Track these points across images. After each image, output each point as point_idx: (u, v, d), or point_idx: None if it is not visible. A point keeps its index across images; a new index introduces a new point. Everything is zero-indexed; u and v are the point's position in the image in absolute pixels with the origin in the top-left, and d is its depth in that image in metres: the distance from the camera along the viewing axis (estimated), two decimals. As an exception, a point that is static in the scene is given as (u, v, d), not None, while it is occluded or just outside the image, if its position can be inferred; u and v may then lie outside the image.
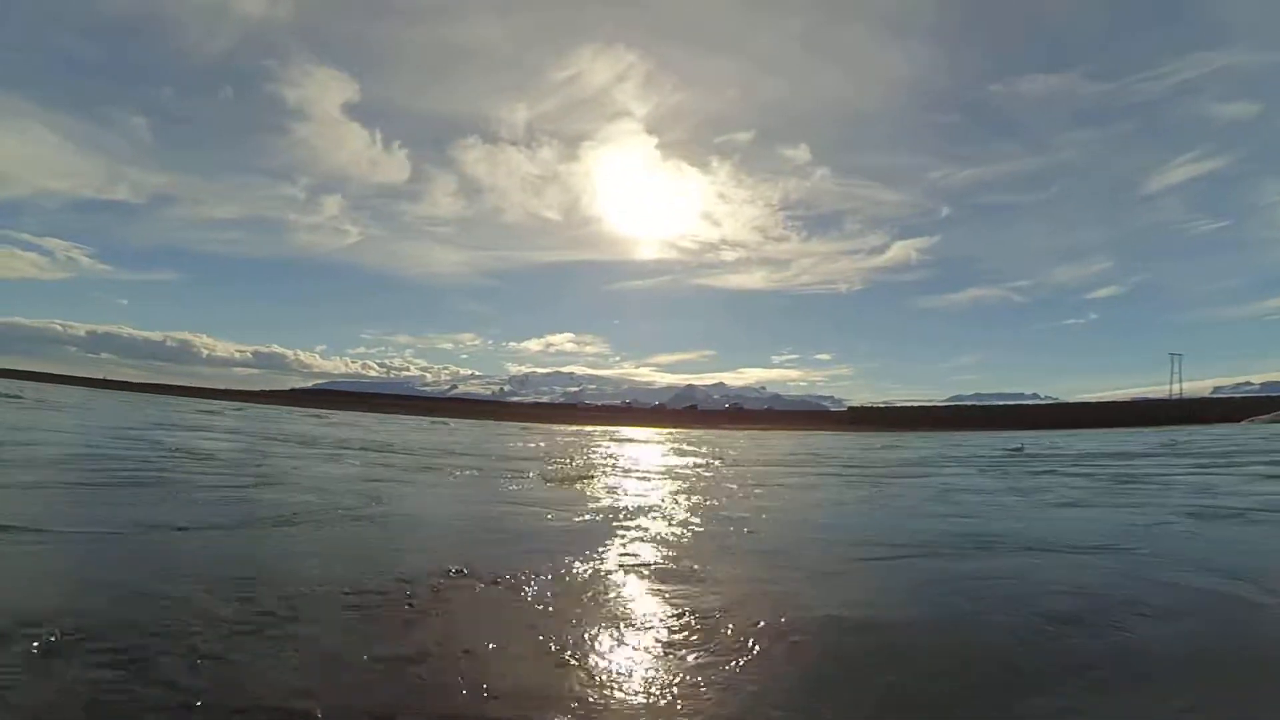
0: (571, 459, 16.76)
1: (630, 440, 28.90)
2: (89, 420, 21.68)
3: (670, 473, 14.12)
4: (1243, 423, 61.17)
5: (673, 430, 67.66)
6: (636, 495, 9.57)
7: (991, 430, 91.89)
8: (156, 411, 33.52)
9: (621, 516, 7.39)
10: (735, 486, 11.27)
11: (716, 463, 17.36)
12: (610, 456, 18.58)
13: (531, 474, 12.37)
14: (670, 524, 7.00)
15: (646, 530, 6.52)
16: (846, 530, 7.02)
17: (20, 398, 36.80)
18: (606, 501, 8.96)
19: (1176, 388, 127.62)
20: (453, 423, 59.38)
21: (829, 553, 5.66)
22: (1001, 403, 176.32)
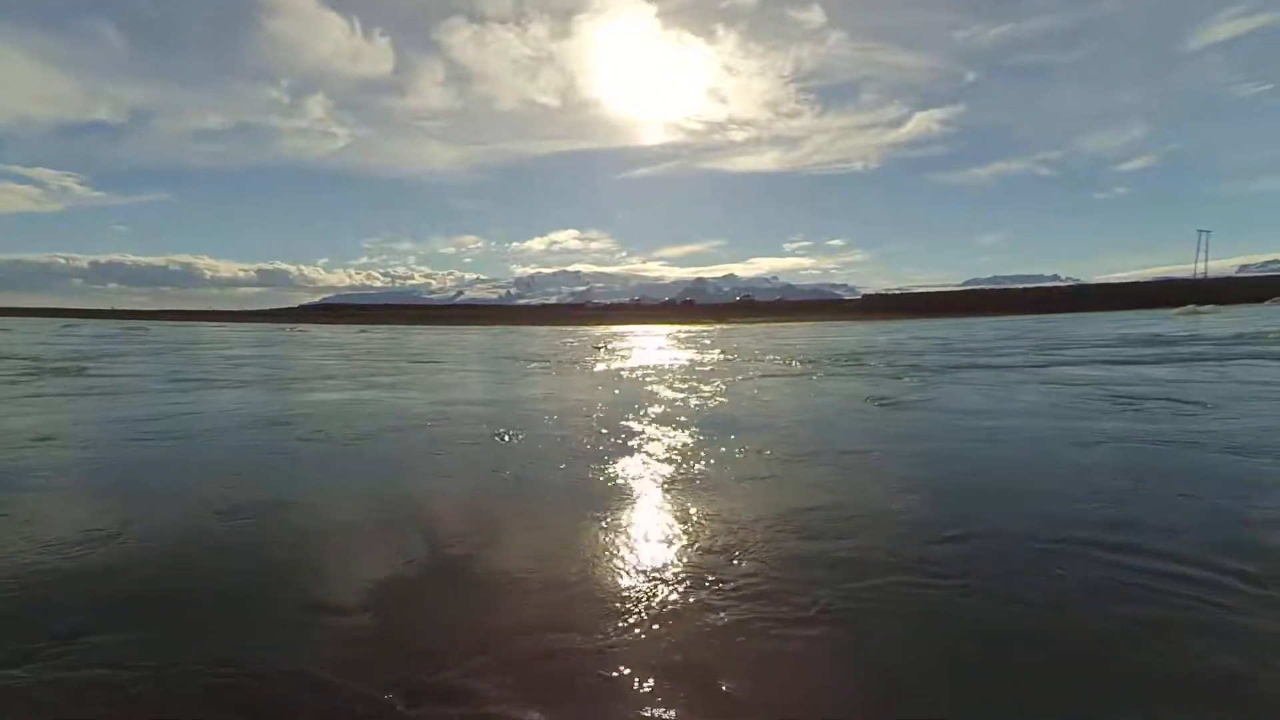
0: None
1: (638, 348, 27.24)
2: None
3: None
4: (1267, 303, 58.31)
5: (682, 328, 66.42)
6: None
7: (1009, 315, 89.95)
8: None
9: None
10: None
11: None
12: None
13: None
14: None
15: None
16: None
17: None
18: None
19: (1201, 266, 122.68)
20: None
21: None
22: (1020, 285, 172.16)
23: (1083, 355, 12.49)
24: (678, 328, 70.86)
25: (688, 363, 14.09)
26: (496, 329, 67.26)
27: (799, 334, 34.21)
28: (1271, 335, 13.72)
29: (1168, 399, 6.73)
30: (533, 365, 14.24)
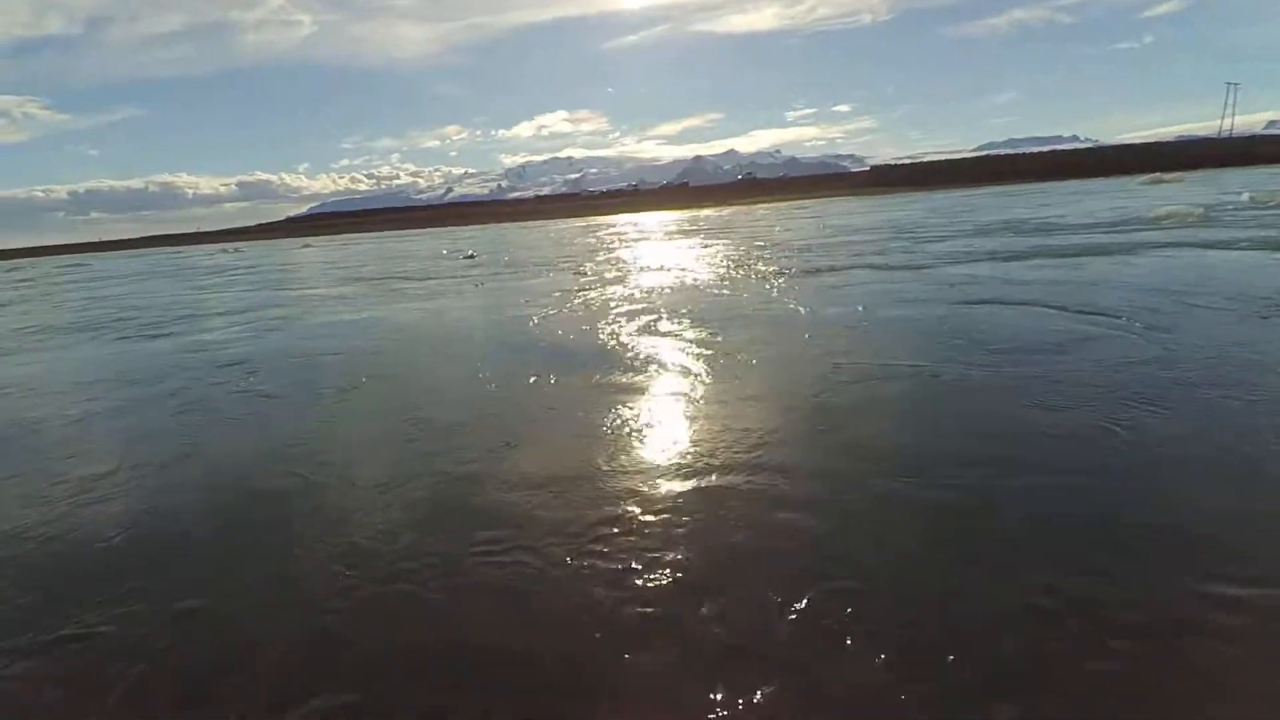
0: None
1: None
2: None
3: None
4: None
5: (671, 214, 64.08)
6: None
7: (1020, 182, 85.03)
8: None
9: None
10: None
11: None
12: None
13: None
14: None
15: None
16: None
17: None
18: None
19: (1228, 122, 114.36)
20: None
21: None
22: (1037, 149, 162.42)
23: (983, 247, 10.95)
24: (670, 214, 68.24)
25: (576, 270, 13.01)
26: (468, 231, 65.64)
27: (782, 217, 32.54)
28: (1178, 218, 12.15)
29: (997, 303, 6.01)
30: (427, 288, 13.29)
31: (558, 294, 9.75)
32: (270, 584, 2.26)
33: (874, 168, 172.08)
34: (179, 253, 62.30)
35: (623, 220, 58.86)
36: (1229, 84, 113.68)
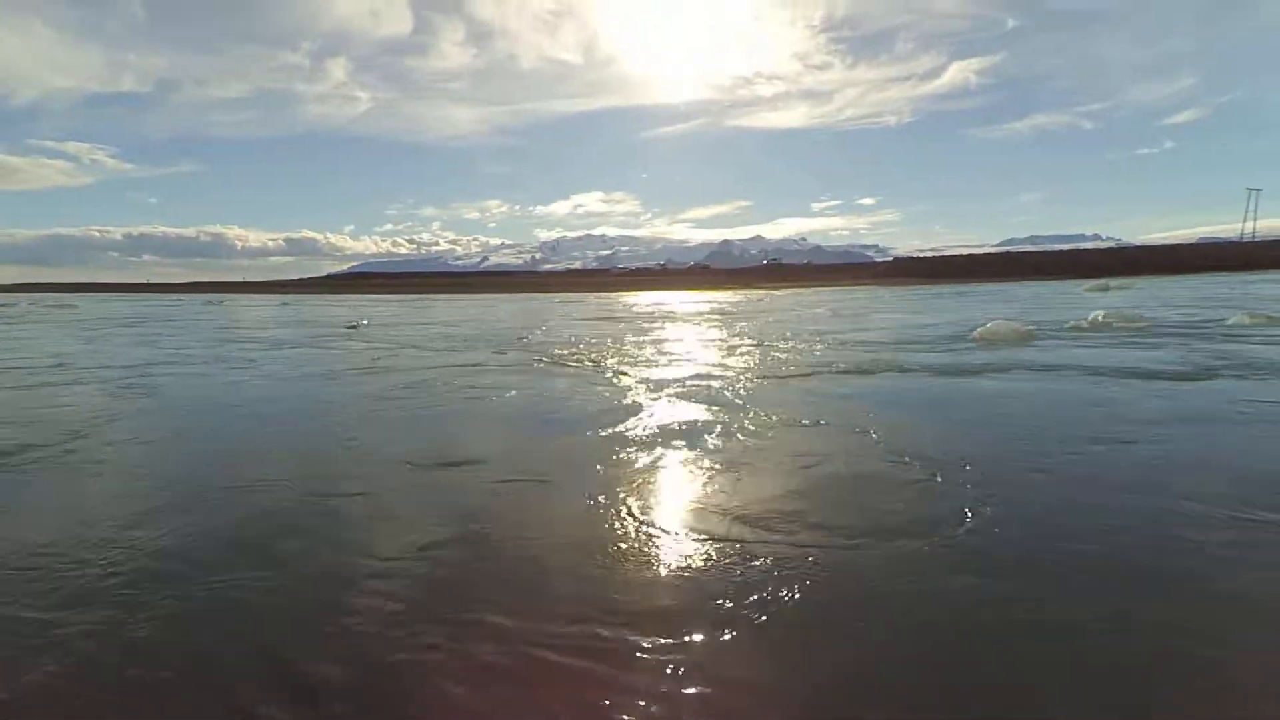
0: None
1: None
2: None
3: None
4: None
5: (686, 294, 65.90)
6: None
7: (1043, 279, 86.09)
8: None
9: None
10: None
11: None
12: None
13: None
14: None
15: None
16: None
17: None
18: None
19: (1250, 226, 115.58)
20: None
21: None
22: (1058, 246, 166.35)
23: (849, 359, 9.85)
24: (690, 293, 70.57)
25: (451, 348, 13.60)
26: (492, 298, 67.57)
27: (778, 306, 33.34)
28: (997, 339, 11.41)
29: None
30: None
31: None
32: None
33: (896, 259, 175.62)
34: (179, 300, 63.69)
35: (642, 298, 60.30)
36: (1250, 189, 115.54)
